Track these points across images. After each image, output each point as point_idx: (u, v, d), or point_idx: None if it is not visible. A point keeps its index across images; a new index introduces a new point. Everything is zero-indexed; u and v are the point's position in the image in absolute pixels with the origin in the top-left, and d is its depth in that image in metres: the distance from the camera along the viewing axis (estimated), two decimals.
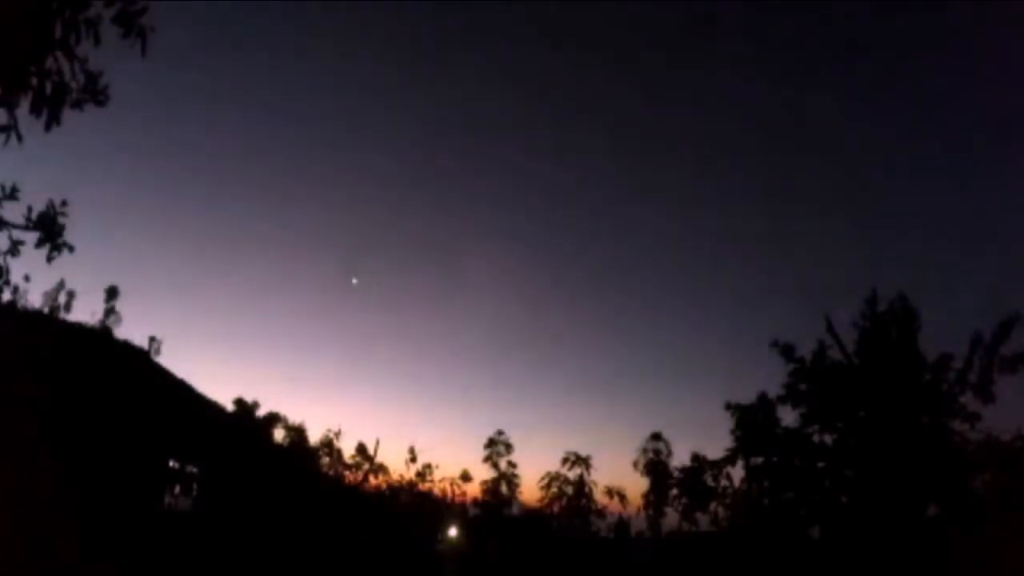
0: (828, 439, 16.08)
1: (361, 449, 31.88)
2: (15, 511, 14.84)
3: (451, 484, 32.08)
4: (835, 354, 15.97)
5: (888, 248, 59.62)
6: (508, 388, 65.65)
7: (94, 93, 5.28)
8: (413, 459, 30.67)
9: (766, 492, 17.45)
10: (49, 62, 4.98)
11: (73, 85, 5.15)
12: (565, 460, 32.61)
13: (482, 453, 33.57)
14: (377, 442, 31.10)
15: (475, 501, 33.38)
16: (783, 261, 67.78)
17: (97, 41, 5.01)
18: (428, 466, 31.09)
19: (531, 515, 32.95)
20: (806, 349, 16.13)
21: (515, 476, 33.51)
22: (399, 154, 64.53)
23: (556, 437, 64.65)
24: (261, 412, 33.36)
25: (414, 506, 30.60)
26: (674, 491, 30.05)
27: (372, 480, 30.95)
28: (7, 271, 5.54)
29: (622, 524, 32.29)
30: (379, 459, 31.22)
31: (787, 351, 16.10)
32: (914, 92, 59.62)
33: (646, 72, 63.97)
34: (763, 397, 16.72)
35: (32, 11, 4.81)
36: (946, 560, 14.79)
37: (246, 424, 29.70)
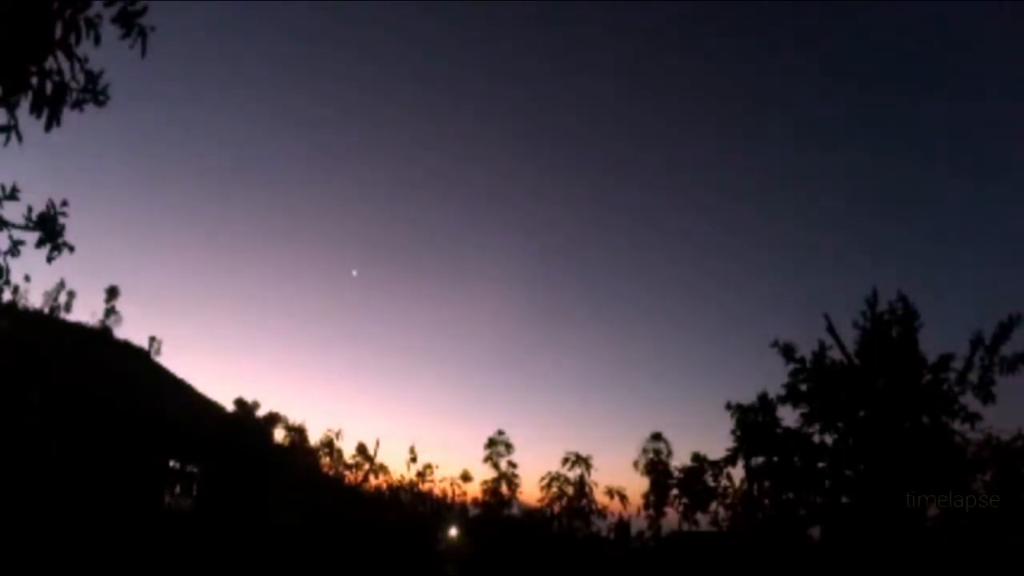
0: (828, 439, 16.04)
1: (361, 449, 31.84)
2: (17, 510, 14.83)
3: (451, 484, 32.02)
4: (835, 354, 15.92)
5: (888, 248, 59.66)
6: (508, 388, 65.76)
7: (94, 93, 5.27)
8: (413, 459, 30.64)
9: (766, 492, 17.41)
10: (49, 62, 4.98)
11: (73, 85, 5.14)
12: (565, 460, 32.52)
13: (482, 453, 33.49)
14: (377, 442, 31.12)
15: (475, 501, 33.31)
16: (783, 261, 67.83)
17: (97, 41, 5.01)
18: (428, 466, 31.05)
19: (531, 515, 32.89)
20: (806, 349, 16.09)
21: (515, 476, 33.43)
22: (401, 152, 64.58)
23: (556, 437, 64.83)
24: (261, 412, 33.38)
25: (414, 506, 30.57)
26: (674, 491, 29.99)
27: (372, 480, 30.93)
28: (7, 271, 5.54)
29: (622, 524, 32.22)
30: (379, 459, 31.22)
31: (787, 351, 16.04)
32: (914, 90, 59.60)
33: (647, 72, 63.93)
34: (763, 397, 16.66)
35: (32, 11, 4.80)
36: (946, 560, 14.78)
37: (246, 424, 29.68)
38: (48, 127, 5.03)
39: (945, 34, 58.83)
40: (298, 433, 33.49)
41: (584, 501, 32.10)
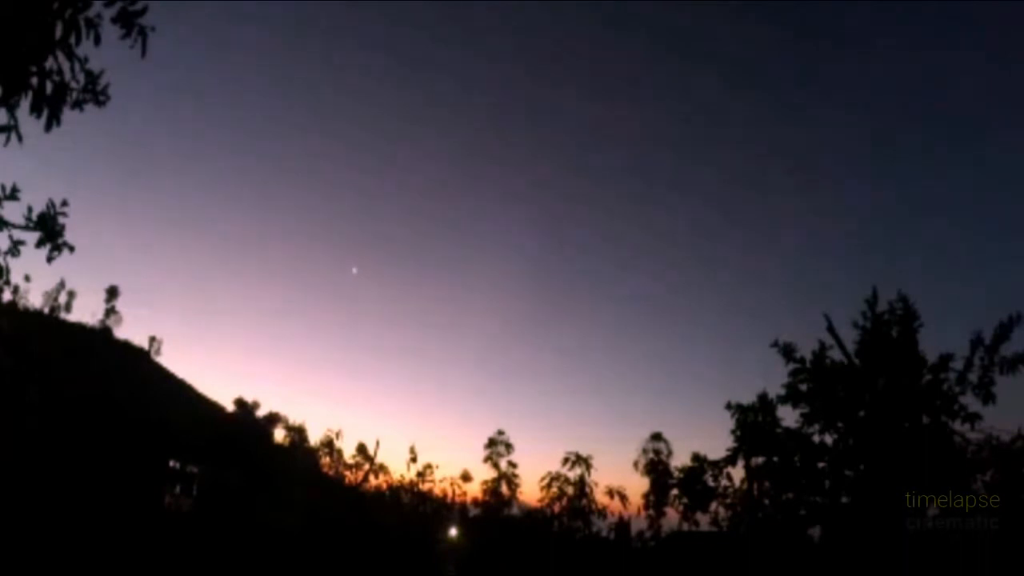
0: (828, 439, 16.04)
1: (361, 449, 31.84)
2: (17, 510, 14.83)
3: (451, 484, 32.01)
4: (835, 354, 15.92)
5: (888, 248, 59.70)
6: (508, 388, 65.79)
7: (94, 93, 5.27)
8: (413, 459, 30.64)
9: (766, 492, 17.41)
10: (49, 62, 4.98)
11: (73, 85, 5.14)
12: (565, 460, 32.45)
13: (482, 453, 33.45)
14: (377, 442, 31.12)
15: (475, 501, 33.28)
16: (783, 261, 67.86)
17: (97, 41, 5.01)
18: (428, 466, 31.05)
19: (531, 515, 32.84)
20: (806, 349, 16.09)
21: (515, 476, 33.39)
22: (402, 151, 64.62)
23: (556, 437, 64.89)
24: (261, 412, 33.40)
25: (414, 506, 30.56)
26: (674, 491, 29.90)
27: (372, 480, 30.91)
28: (7, 271, 5.52)
29: (622, 524, 32.17)
30: (379, 459, 31.21)
31: (787, 351, 16.04)
32: (913, 88, 59.64)
33: (648, 70, 63.96)
34: (763, 397, 16.67)
35: (32, 11, 4.80)
36: (945, 560, 14.77)
37: (246, 424, 29.69)
38: (48, 127, 5.03)
39: (945, 31, 58.89)
40: (298, 433, 33.50)
41: (584, 501, 32.03)
